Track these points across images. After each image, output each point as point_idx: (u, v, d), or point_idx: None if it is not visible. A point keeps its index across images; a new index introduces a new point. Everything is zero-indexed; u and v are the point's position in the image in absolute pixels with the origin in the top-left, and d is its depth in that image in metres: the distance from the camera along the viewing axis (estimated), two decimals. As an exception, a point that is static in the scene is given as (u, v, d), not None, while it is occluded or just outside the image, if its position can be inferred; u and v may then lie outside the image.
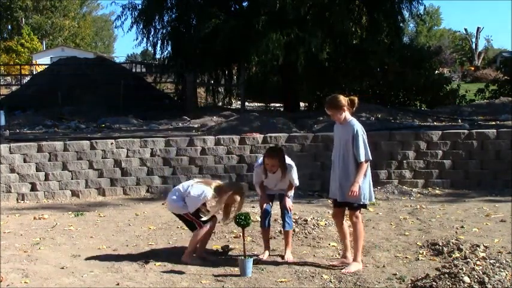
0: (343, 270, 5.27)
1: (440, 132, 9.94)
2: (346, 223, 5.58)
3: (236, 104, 22.90)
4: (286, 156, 5.76)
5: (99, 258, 5.80)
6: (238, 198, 5.63)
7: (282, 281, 5.06)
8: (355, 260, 5.36)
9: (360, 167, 5.22)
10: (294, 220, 6.79)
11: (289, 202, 5.73)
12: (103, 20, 72.48)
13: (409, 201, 8.73)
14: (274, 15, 16.00)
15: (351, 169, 5.25)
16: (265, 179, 5.76)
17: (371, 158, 5.32)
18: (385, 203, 8.65)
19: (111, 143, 9.66)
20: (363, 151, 5.21)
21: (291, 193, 5.80)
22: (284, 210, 5.74)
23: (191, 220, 5.66)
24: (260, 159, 5.83)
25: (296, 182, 5.76)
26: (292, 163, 5.73)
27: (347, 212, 5.44)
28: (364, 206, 5.45)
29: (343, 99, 5.29)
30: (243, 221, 5.35)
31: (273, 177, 5.72)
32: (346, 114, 5.30)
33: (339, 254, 5.84)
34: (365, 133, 5.32)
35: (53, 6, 58.74)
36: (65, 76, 21.33)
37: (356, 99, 5.34)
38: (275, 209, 5.95)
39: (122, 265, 5.54)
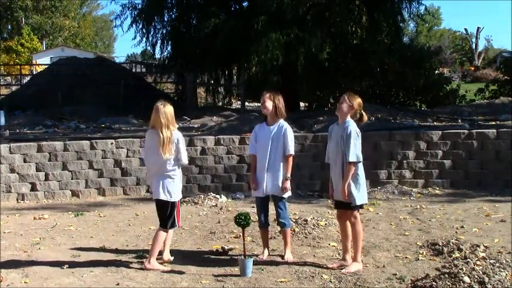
0: (343, 270, 5.27)
1: (440, 132, 9.95)
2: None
3: (236, 104, 22.88)
4: (286, 123, 5.68)
5: (99, 258, 5.80)
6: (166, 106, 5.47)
7: (282, 281, 5.06)
8: (355, 260, 5.36)
9: (349, 168, 5.23)
10: (294, 220, 6.80)
11: (286, 184, 5.56)
12: (103, 20, 72.41)
13: (409, 201, 8.73)
14: (274, 15, 15.98)
15: (344, 169, 5.28)
16: (259, 139, 5.67)
17: (361, 160, 5.28)
18: (385, 203, 8.65)
19: (111, 143, 9.67)
20: (354, 152, 5.20)
21: (288, 174, 5.61)
22: (275, 208, 5.69)
23: (176, 213, 5.48)
24: None
25: (291, 149, 5.61)
26: (290, 128, 5.67)
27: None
28: (361, 206, 5.44)
29: (358, 104, 5.34)
30: (243, 221, 5.34)
31: (266, 133, 5.63)
32: (348, 116, 5.32)
33: (339, 254, 5.84)
34: (359, 136, 5.30)
35: (53, 6, 58.68)
36: (65, 76, 21.30)
37: (366, 116, 5.40)
38: (274, 208, 5.93)
39: (122, 265, 5.54)
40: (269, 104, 5.61)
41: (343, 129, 5.29)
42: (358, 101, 5.37)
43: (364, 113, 5.39)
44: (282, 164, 5.60)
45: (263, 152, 5.65)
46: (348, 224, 5.41)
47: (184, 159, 5.52)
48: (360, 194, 5.28)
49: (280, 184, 5.59)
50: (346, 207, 5.34)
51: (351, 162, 5.20)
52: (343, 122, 5.32)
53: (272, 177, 5.60)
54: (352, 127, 5.26)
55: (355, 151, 5.21)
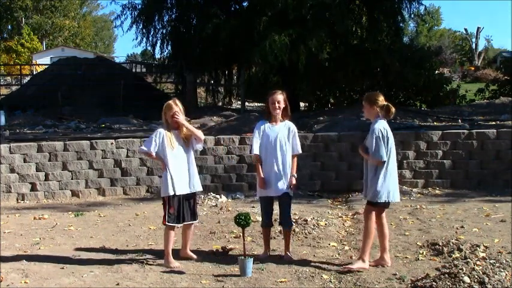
0: (345, 266, 5.27)
1: (440, 132, 9.94)
2: (386, 224, 5.48)
3: (236, 104, 22.90)
4: (291, 123, 5.74)
5: (99, 258, 5.81)
6: (172, 105, 5.47)
7: (282, 281, 5.06)
8: (360, 258, 5.33)
9: (372, 160, 5.29)
10: (294, 220, 6.79)
11: (293, 180, 5.63)
12: (103, 20, 72.39)
13: (409, 201, 8.72)
14: (275, 15, 16.00)
15: (371, 167, 5.33)
16: (265, 139, 5.64)
17: (380, 159, 5.24)
18: (385, 203, 8.64)
19: (111, 143, 9.67)
20: (377, 151, 5.21)
21: (295, 172, 5.66)
22: (283, 207, 5.69)
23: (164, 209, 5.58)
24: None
25: (299, 148, 5.72)
26: (295, 128, 5.72)
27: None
28: (383, 205, 5.35)
29: (381, 100, 5.35)
30: (243, 221, 5.34)
31: (272, 133, 5.63)
32: (374, 116, 5.36)
33: (339, 254, 5.85)
34: (384, 135, 5.26)
35: (53, 6, 58.66)
36: (65, 76, 21.32)
37: (393, 109, 5.36)
38: (275, 208, 5.93)
39: (122, 265, 5.54)
40: (283, 105, 5.64)
41: (371, 127, 5.35)
42: (375, 98, 5.39)
43: (390, 106, 5.35)
44: (290, 163, 5.65)
45: (271, 152, 5.65)
46: (382, 221, 5.38)
47: None
48: (383, 191, 5.24)
49: (289, 183, 5.63)
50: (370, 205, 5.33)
51: (374, 159, 5.25)
52: (373, 122, 5.38)
53: (282, 177, 5.62)
54: (378, 126, 5.27)
55: (378, 149, 5.21)
